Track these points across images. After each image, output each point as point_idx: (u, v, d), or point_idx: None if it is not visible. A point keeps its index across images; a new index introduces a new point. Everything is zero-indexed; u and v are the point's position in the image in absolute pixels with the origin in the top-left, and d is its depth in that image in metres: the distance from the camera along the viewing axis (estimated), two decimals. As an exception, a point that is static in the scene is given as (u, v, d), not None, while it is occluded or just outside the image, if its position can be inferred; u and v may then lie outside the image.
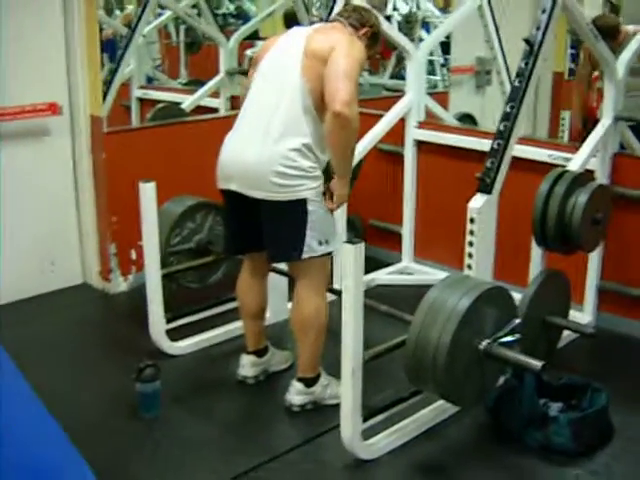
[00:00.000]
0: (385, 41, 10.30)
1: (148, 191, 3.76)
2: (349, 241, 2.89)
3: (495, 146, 3.57)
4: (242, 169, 3.30)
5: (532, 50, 3.54)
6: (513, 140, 3.58)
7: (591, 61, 5.65)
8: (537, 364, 2.90)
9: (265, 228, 3.37)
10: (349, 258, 2.86)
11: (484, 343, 2.93)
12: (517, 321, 3.05)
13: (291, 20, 7.30)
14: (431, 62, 8.82)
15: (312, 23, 4.45)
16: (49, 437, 2.43)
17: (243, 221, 3.48)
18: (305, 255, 3.29)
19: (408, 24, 10.21)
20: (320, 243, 3.30)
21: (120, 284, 4.92)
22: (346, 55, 3.20)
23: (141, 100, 6.95)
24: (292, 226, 3.29)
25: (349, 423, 3.04)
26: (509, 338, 2.99)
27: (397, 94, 5.47)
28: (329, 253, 3.41)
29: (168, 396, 3.58)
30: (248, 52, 8.26)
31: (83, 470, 2.22)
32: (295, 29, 3.59)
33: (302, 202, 3.23)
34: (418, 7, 12.03)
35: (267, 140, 3.24)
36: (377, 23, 3.61)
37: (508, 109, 3.57)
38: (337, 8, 4.28)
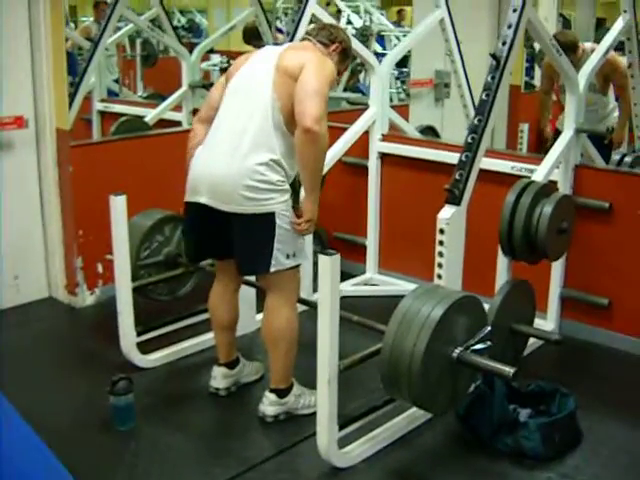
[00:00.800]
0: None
1: (119, 204, 3.76)
2: (325, 252, 2.93)
3: (463, 158, 3.64)
4: (212, 182, 3.33)
5: (498, 64, 3.62)
6: (481, 152, 3.65)
7: (551, 77, 5.84)
8: (509, 370, 2.97)
9: (234, 242, 3.40)
10: (325, 269, 2.91)
11: (457, 351, 2.99)
12: (488, 329, 3.12)
13: (251, 35, 7.36)
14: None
15: (276, 40, 4.50)
16: (31, 450, 2.44)
17: (207, 231, 3.51)
18: (273, 269, 3.33)
19: (363, 37, 10.30)
20: (288, 256, 3.34)
21: (87, 298, 4.91)
22: (315, 73, 3.25)
23: (102, 113, 6.94)
24: (260, 239, 3.32)
25: (325, 431, 3.08)
26: (480, 345, 3.06)
27: (358, 107, 5.53)
28: (298, 265, 3.46)
29: (141, 409, 3.59)
30: (203, 65, 8.30)
31: (59, 474, 2.23)
32: (267, 48, 3.64)
33: (270, 215, 3.27)
34: (371, 21, 12.15)
35: (236, 154, 3.27)
36: (346, 39, 3.67)
37: (476, 122, 3.65)
38: (303, 23, 4.34)
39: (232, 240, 3.39)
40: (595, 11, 9.30)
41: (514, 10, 3.64)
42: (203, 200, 3.37)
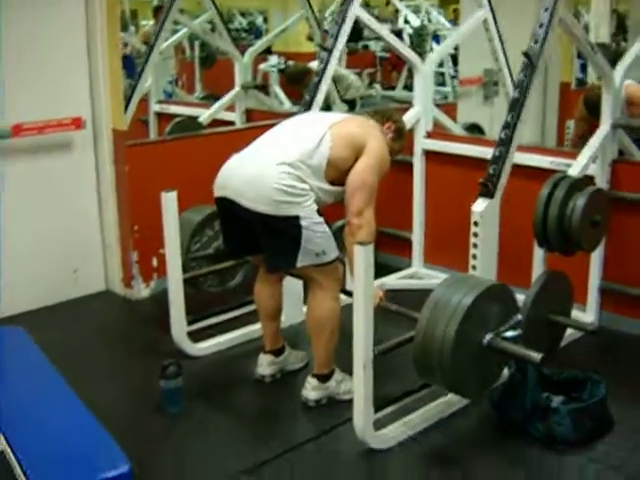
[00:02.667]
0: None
1: (170, 200, 3.96)
2: (359, 242, 3.09)
3: (497, 153, 3.76)
4: (240, 181, 3.50)
5: (530, 62, 3.74)
6: (514, 147, 3.77)
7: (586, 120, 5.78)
8: (537, 356, 3.09)
9: (261, 239, 3.58)
10: (359, 258, 3.06)
11: (487, 337, 3.13)
12: (519, 317, 3.24)
13: (294, 79, 7.62)
14: (442, 74, 9.02)
15: (324, 41, 4.63)
16: (83, 425, 2.65)
17: (237, 229, 3.71)
18: (300, 264, 3.51)
19: (420, 37, 10.38)
20: (317, 255, 3.51)
21: (142, 290, 5.13)
22: (371, 162, 3.54)
23: (159, 114, 7.16)
24: (286, 239, 3.48)
25: (361, 413, 3.23)
26: (511, 333, 3.18)
27: (406, 105, 5.63)
28: (334, 260, 3.61)
29: (190, 394, 3.78)
30: (262, 66, 8.49)
31: (116, 455, 2.43)
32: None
33: (295, 218, 3.42)
34: (429, 20, 12.21)
35: (269, 161, 3.47)
36: (400, 119, 3.97)
37: (509, 118, 3.76)
38: (346, 26, 4.47)
39: (258, 234, 3.57)
40: (651, 6, 9.24)
41: (545, 9, 3.75)
42: (229, 195, 3.55)
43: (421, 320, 3.14)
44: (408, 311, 3.58)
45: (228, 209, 3.61)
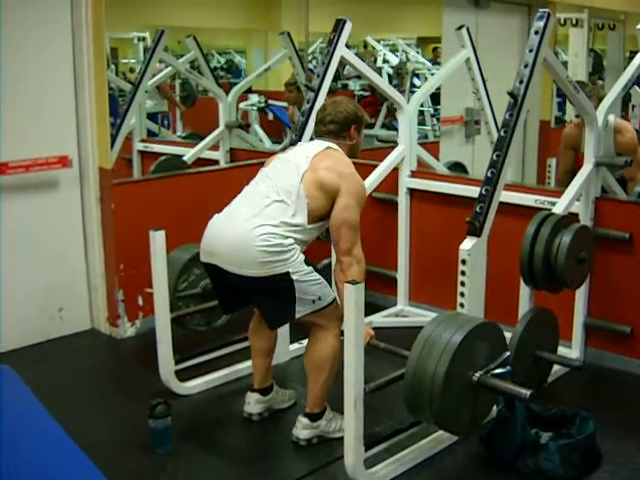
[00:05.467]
0: (375, 93, 10.57)
1: (158, 238, 3.97)
2: (350, 281, 3.10)
3: (483, 192, 3.81)
4: (226, 248, 3.53)
5: (516, 102, 3.80)
6: (500, 186, 3.82)
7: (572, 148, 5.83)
8: (526, 392, 3.11)
9: (255, 300, 3.67)
10: (349, 296, 3.07)
11: (477, 374, 3.14)
12: (507, 354, 3.26)
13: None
14: (421, 112, 9.09)
15: (309, 80, 4.65)
16: (76, 466, 2.62)
17: (228, 289, 3.74)
18: (299, 314, 3.54)
19: (398, 75, 10.45)
20: (314, 301, 3.54)
21: (127, 329, 5.12)
22: (349, 201, 3.54)
23: (142, 153, 7.18)
24: (281, 297, 3.51)
25: (352, 451, 3.22)
26: (500, 370, 3.20)
27: (390, 145, 5.66)
28: (332, 302, 3.63)
29: (179, 433, 3.76)
30: (242, 105, 8.53)
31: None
32: (300, 146, 3.95)
33: (286, 274, 3.46)
34: (408, 59, 12.32)
35: (251, 224, 3.47)
36: (356, 109, 3.80)
37: (495, 157, 3.81)
38: (332, 65, 4.51)
39: (252, 296, 3.64)
40: (625, 45, 9.40)
41: (530, 50, 3.82)
42: (216, 262, 3.59)
43: (411, 358, 3.16)
44: (397, 349, 3.60)
45: (217, 274, 3.65)
